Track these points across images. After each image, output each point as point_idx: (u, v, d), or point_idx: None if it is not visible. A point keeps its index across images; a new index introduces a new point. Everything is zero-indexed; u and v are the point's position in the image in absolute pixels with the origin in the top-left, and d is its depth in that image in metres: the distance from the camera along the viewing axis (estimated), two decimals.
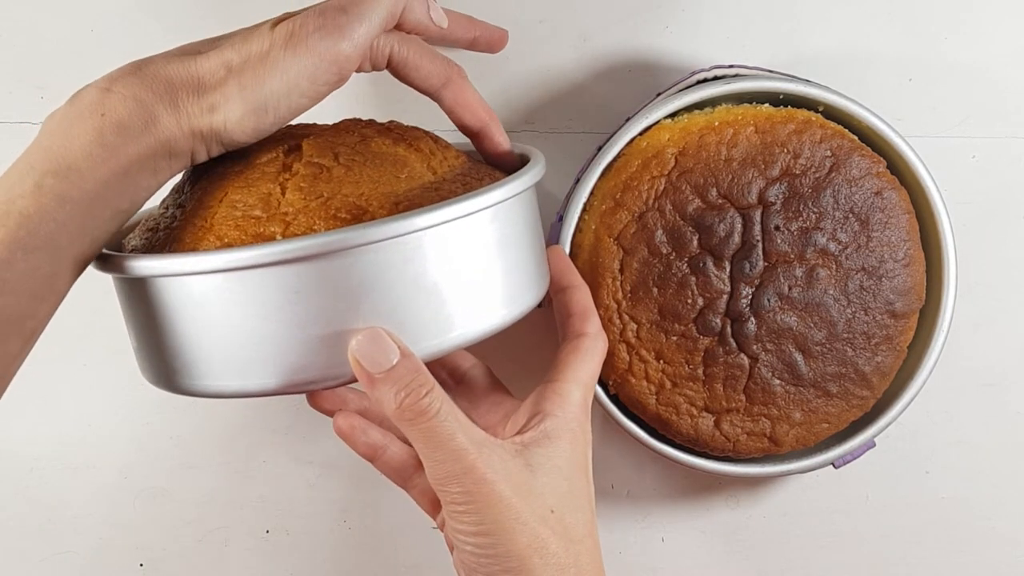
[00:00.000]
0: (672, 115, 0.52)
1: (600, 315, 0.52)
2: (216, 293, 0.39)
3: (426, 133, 0.47)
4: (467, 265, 0.41)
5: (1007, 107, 0.59)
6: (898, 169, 0.53)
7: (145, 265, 0.40)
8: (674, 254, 0.52)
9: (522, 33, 0.57)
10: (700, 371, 0.52)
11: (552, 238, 0.54)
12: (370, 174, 0.42)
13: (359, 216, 0.40)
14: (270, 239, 0.39)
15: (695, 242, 0.51)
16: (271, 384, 0.40)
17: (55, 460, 0.59)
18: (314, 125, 0.47)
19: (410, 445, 0.49)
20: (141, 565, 0.60)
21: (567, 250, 0.52)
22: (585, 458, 0.45)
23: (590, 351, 0.46)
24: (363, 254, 0.38)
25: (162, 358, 0.42)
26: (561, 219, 0.53)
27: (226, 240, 0.40)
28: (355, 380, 0.40)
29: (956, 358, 0.59)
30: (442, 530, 0.49)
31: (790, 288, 0.52)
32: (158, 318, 0.41)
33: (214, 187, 0.43)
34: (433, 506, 0.49)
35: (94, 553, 0.60)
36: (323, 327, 0.39)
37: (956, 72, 0.59)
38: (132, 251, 0.44)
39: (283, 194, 0.41)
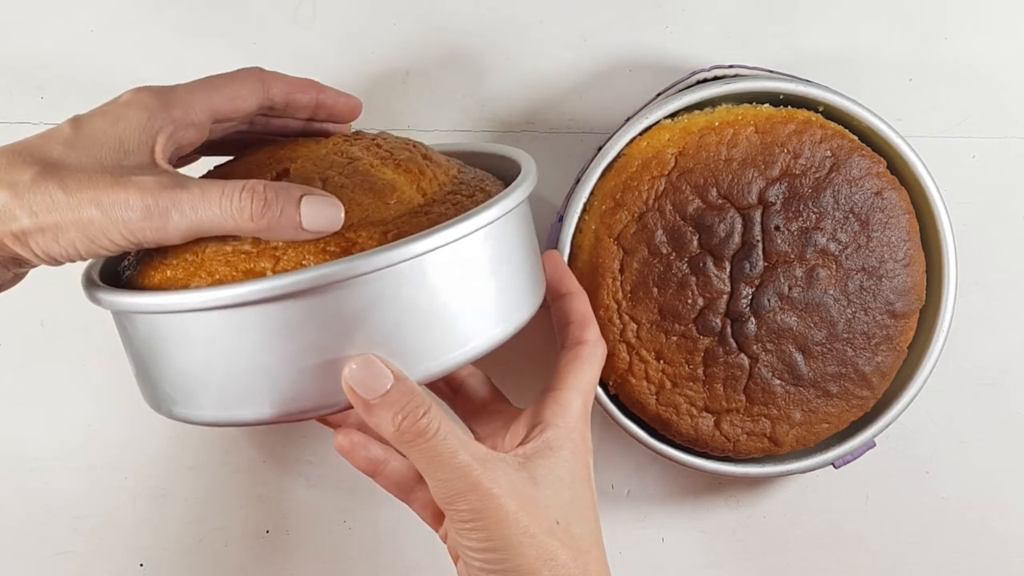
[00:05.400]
0: (672, 115, 0.52)
1: (600, 315, 0.52)
2: (208, 329, 0.39)
3: (415, 147, 0.47)
4: (460, 288, 0.40)
5: (1007, 107, 0.59)
6: (898, 169, 0.53)
7: (137, 302, 0.40)
8: (674, 254, 0.52)
9: (522, 33, 0.57)
10: (700, 371, 0.52)
11: (552, 238, 0.54)
12: (359, 201, 0.42)
13: (348, 248, 0.40)
14: (260, 275, 0.40)
15: (695, 242, 0.51)
16: (267, 414, 0.40)
17: (55, 460, 0.59)
18: (301, 144, 0.47)
19: None
20: (141, 565, 0.60)
21: (567, 250, 0.52)
22: (587, 467, 0.44)
23: (589, 359, 0.46)
24: (353, 286, 0.38)
25: (160, 388, 0.43)
26: (561, 219, 0.53)
27: (217, 276, 0.40)
28: (351, 407, 0.40)
29: (956, 358, 0.59)
30: (444, 542, 0.49)
31: (790, 288, 0.52)
32: (153, 351, 0.42)
33: None
34: (435, 519, 0.49)
35: (94, 553, 0.60)
36: (316, 358, 0.39)
37: (956, 72, 0.59)
38: (126, 279, 0.44)
39: None
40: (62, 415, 0.59)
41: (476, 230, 0.40)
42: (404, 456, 0.49)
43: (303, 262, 0.40)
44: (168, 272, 0.42)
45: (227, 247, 0.41)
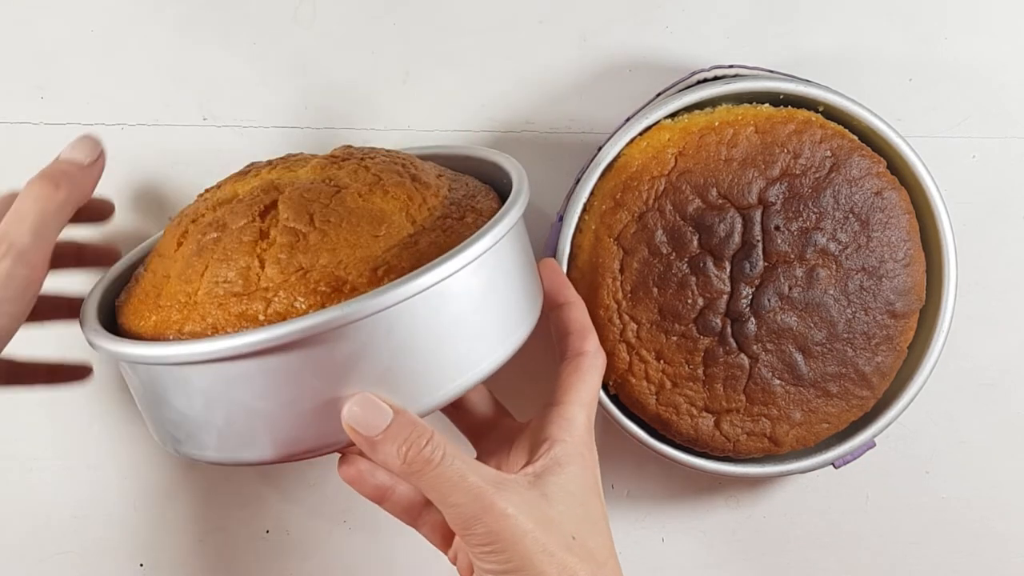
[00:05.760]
0: (672, 115, 0.52)
1: (600, 315, 0.52)
2: (205, 379, 0.40)
3: (404, 167, 0.46)
4: (455, 320, 0.40)
5: (1007, 107, 0.59)
6: (898, 169, 0.53)
7: (133, 353, 0.41)
8: (674, 254, 0.52)
9: (522, 33, 0.57)
10: (700, 371, 0.52)
11: (552, 238, 0.54)
12: (347, 237, 0.42)
13: (339, 287, 0.40)
14: (253, 318, 0.40)
15: (695, 242, 0.51)
16: (269, 455, 0.41)
17: (55, 460, 0.59)
18: (288, 170, 0.46)
19: None
20: (141, 565, 0.60)
21: (567, 250, 0.52)
22: (595, 480, 0.44)
23: (590, 370, 0.46)
24: (346, 331, 0.38)
25: (164, 427, 0.43)
26: (561, 219, 0.53)
27: (210, 320, 0.41)
28: (352, 444, 0.40)
29: (956, 358, 0.59)
30: (454, 564, 0.49)
31: (790, 288, 0.52)
32: (154, 395, 0.42)
33: (194, 258, 0.43)
34: (444, 541, 0.49)
35: (94, 553, 0.60)
36: (314, 401, 0.39)
37: (956, 72, 0.59)
38: (123, 316, 0.45)
39: (262, 268, 0.41)
40: (62, 415, 0.59)
41: (467, 264, 0.40)
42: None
43: (295, 304, 0.40)
44: (162, 313, 0.42)
45: (218, 289, 0.41)
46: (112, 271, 0.50)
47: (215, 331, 0.40)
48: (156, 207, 0.57)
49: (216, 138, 0.58)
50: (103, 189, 0.58)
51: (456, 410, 0.51)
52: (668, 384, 0.53)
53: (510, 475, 0.42)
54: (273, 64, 0.57)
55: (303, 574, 0.61)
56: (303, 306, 0.40)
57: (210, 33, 0.57)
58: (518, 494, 0.41)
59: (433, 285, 0.39)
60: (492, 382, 0.52)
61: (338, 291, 0.40)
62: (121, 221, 0.58)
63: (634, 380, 0.53)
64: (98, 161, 0.46)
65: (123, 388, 0.59)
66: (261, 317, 0.40)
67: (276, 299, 0.40)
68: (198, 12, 0.57)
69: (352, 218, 0.42)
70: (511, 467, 0.45)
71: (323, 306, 0.40)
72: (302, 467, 0.60)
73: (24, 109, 0.57)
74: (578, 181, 0.53)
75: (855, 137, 0.52)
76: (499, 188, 0.49)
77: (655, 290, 0.52)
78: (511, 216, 0.43)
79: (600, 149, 0.53)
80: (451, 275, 0.39)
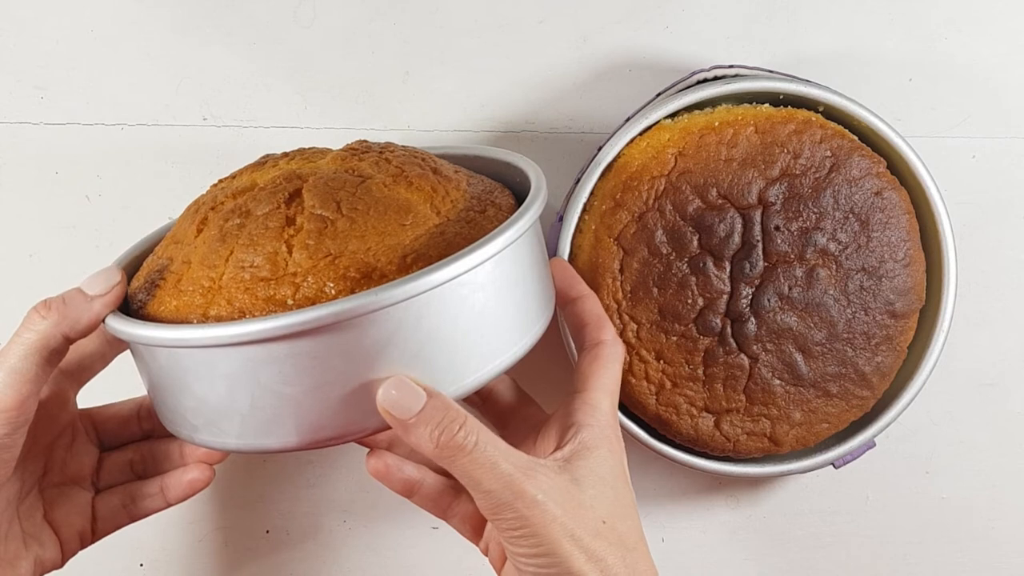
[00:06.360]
0: (672, 115, 0.52)
1: None
2: (232, 362, 0.39)
3: (424, 161, 0.46)
4: (480, 310, 0.41)
5: (1007, 107, 0.59)
6: (898, 169, 0.53)
7: (160, 336, 0.40)
8: (674, 254, 0.52)
9: (522, 33, 0.57)
10: (700, 371, 0.52)
11: (552, 238, 0.54)
12: (375, 225, 0.42)
13: (368, 274, 0.40)
14: (281, 303, 0.40)
15: (695, 242, 0.51)
16: (293, 443, 0.40)
17: None
18: (308, 160, 0.46)
19: (446, 476, 0.49)
20: (141, 565, 0.60)
21: (567, 250, 0.52)
22: (623, 465, 0.45)
23: (611, 358, 0.46)
24: (376, 317, 0.38)
25: (180, 415, 0.43)
26: (561, 219, 0.53)
27: (236, 305, 0.40)
28: (375, 433, 0.40)
29: (956, 358, 0.59)
30: (486, 555, 0.49)
31: (790, 288, 0.52)
32: (173, 381, 0.42)
33: (217, 244, 0.42)
34: (474, 532, 0.49)
35: (94, 553, 0.60)
36: (341, 387, 0.39)
37: (956, 72, 0.59)
38: (139, 303, 0.44)
39: (290, 253, 0.41)
40: None
41: (496, 253, 0.40)
42: (437, 471, 0.49)
43: (324, 288, 0.40)
44: (183, 298, 0.42)
45: (244, 274, 0.41)
46: (121, 258, 0.49)
47: (242, 315, 0.40)
48: (156, 207, 0.58)
49: (216, 138, 0.58)
50: (105, 190, 0.58)
51: (481, 399, 0.51)
52: (668, 384, 0.53)
53: (540, 460, 0.42)
54: (273, 64, 0.57)
55: (303, 574, 0.61)
56: (333, 291, 0.40)
57: (210, 33, 0.57)
58: (548, 479, 0.41)
59: (463, 274, 0.39)
60: (510, 373, 0.52)
61: (367, 277, 0.40)
62: (122, 221, 0.58)
63: (634, 380, 0.53)
64: (105, 296, 0.44)
65: (124, 386, 0.59)
66: (290, 301, 0.40)
67: (305, 284, 0.40)
68: (198, 12, 0.57)
69: (379, 207, 0.42)
70: (538, 454, 0.45)
71: (353, 292, 0.39)
72: (302, 467, 0.60)
73: (24, 109, 0.57)
74: (578, 181, 0.53)
75: (855, 137, 0.52)
76: (510, 188, 0.49)
77: (655, 290, 0.52)
78: (535, 208, 0.43)
79: (600, 149, 0.53)
80: (479, 264, 0.40)
